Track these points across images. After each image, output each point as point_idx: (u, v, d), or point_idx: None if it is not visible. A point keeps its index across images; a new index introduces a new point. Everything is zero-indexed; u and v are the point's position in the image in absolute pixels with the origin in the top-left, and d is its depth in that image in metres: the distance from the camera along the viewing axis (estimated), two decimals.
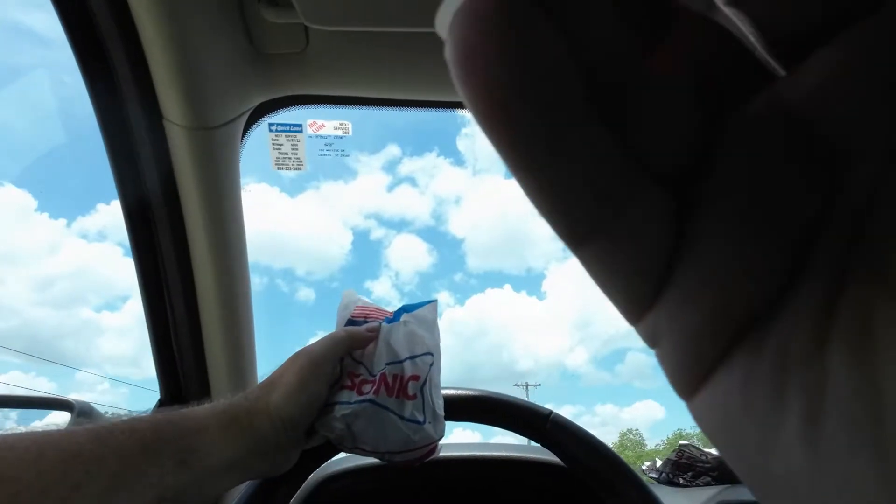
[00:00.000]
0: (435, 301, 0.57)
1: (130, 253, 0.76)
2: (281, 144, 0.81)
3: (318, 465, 0.59)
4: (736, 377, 0.11)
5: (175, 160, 0.70)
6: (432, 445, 0.53)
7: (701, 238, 0.11)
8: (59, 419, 1.00)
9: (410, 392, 0.52)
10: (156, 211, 0.73)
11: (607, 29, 0.11)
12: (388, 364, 0.53)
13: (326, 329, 0.60)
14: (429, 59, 0.67)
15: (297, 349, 0.53)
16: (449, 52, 0.11)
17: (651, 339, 0.13)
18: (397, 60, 0.68)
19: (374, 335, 0.55)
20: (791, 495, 0.11)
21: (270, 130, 0.80)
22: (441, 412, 0.54)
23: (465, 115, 0.80)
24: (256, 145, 0.81)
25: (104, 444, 0.38)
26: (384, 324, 0.56)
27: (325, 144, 0.82)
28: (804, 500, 0.10)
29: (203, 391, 0.83)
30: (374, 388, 0.51)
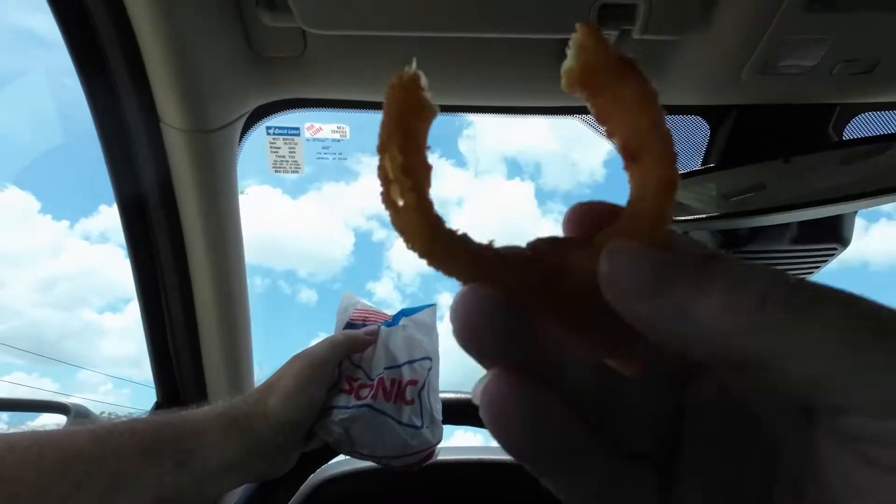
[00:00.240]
0: (434, 305, 0.57)
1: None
2: (278, 148, 0.81)
3: (317, 468, 0.59)
4: None
5: (172, 163, 0.70)
6: (430, 450, 0.53)
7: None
8: (54, 422, 1.00)
9: (408, 397, 0.52)
10: (153, 213, 0.73)
11: (588, 375, 0.18)
12: (386, 368, 0.53)
13: (328, 330, 0.60)
14: (426, 62, 0.67)
15: (299, 350, 0.53)
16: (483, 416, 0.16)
17: None
18: (395, 64, 0.68)
19: (372, 339, 0.55)
20: None
21: (268, 133, 0.80)
22: (439, 417, 0.54)
23: (466, 117, 0.80)
24: (258, 147, 0.80)
25: (104, 445, 0.38)
26: (383, 327, 0.56)
27: (323, 147, 0.82)
28: None
29: (200, 393, 0.83)
30: (373, 392, 0.51)
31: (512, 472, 0.78)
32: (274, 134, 0.80)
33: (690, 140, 0.79)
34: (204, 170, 0.70)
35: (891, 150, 0.67)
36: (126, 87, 0.63)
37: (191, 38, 0.60)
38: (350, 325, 0.59)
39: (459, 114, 0.79)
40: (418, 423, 0.52)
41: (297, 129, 0.81)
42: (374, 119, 0.78)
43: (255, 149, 0.80)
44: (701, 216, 0.73)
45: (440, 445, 0.55)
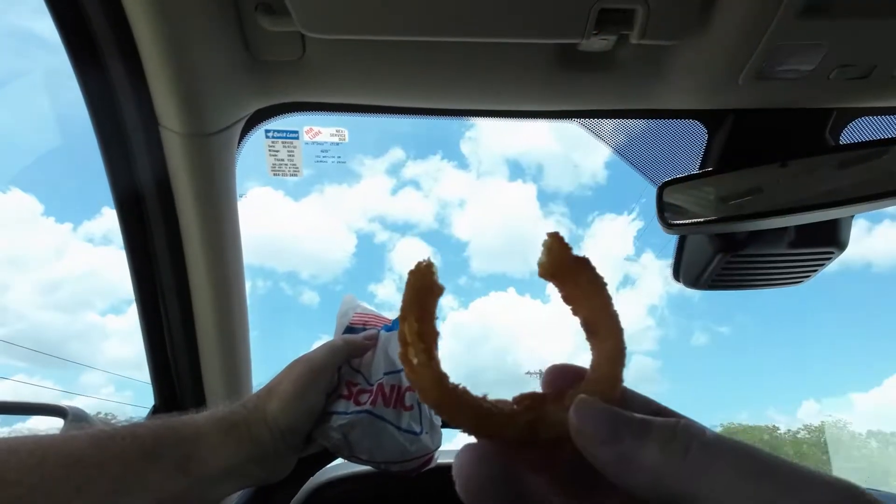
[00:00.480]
0: None
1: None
2: (277, 151, 0.81)
3: (315, 472, 0.59)
4: None
5: (171, 166, 0.70)
6: (429, 456, 0.53)
7: None
8: (46, 425, 0.99)
9: (408, 403, 0.52)
10: (151, 217, 0.73)
11: None
12: (385, 374, 0.53)
13: (329, 332, 0.60)
14: (425, 66, 0.68)
15: (301, 352, 0.53)
16: None
17: None
18: (393, 68, 0.68)
19: (372, 343, 0.55)
20: None
21: (267, 137, 0.80)
22: (438, 422, 0.54)
23: (467, 119, 0.80)
24: (260, 149, 0.81)
25: (105, 450, 0.38)
26: (383, 332, 0.56)
27: (322, 151, 0.82)
28: None
29: (198, 397, 0.83)
30: (372, 398, 0.51)
31: None
32: (273, 137, 0.80)
33: (688, 144, 0.79)
34: (202, 173, 0.70)
35: (887, 154, 0.68)
36: (125, 91, 0.63)
37: (189, 41, 0.60)
38: (350, 329, 0.58)
39: (458, 118, 0.79)
40: (417, 429, 0.51)
41: (296, 132, 0.81)
42: (376, 122, 0.78)
43: (257, 151, 0.81)
44: (699, 220, 0.73)
45: (439, 449, 0.55)
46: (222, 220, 0.75)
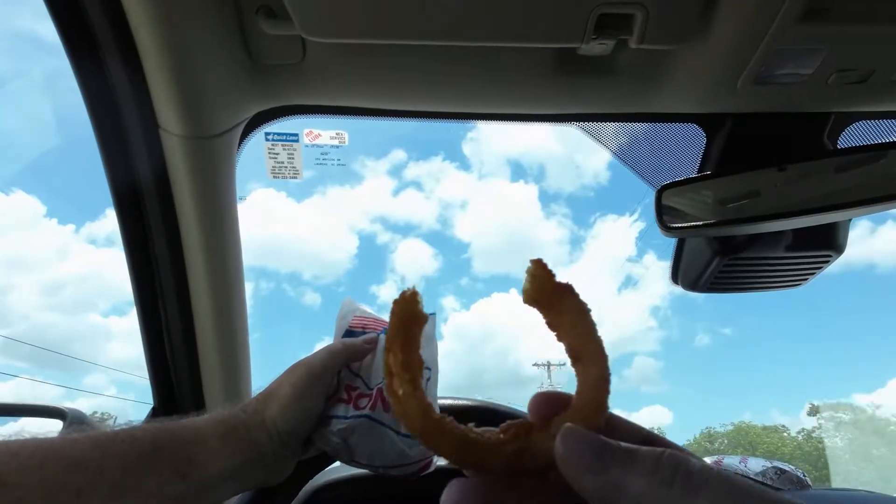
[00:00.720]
0: (433, 314, 0.57)
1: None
2: (277, 153, 0.81)
3: (314, 476, 0.59)
4: None
5: (171, 169, 0.70)
6: (428, 460, 0.53)
7: None
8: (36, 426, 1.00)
9: None
10: (151, 219, 0.73)
11: None
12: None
13: (331, 333, 0.60)
14: (424, 70, 0.68)
15: (303, 354, 0.53)
16: None
17: None
18: (393, 72, 0.68)
19: (371, 347, 0.55)
20: None
21: (267, 140, 0.80)
22: None
23: (468, 122, 0.80)
24: (262, 151, 0.81)
25: (105, 453, 0.38)
26: (382, 335, 0.56)
27: (322, 154, 0.83)
28: None
29: (197, 400, 0.83)
30: (371, 402, 0.51)
31: None
32: (273, 140, 0.80)
33: (687, 147, 0.80)
34: (202, 176, 0.70)
35: (884, 158, 0.68)
36: (125, 93, 0.64)
37: (190, 44, 0.60)
38: (349, 332, 0.58)
39: (457, 121, 0.79)
40: None
41: (296, 135, 0.81)
42: (377, 123, 0.78)
43: (259, 152, 0.81)
44: (697, 223, 0.73)
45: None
46: (222, 223, 0.75)
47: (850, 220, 0.76)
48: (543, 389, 0.28)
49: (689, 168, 0.80)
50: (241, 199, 0.78)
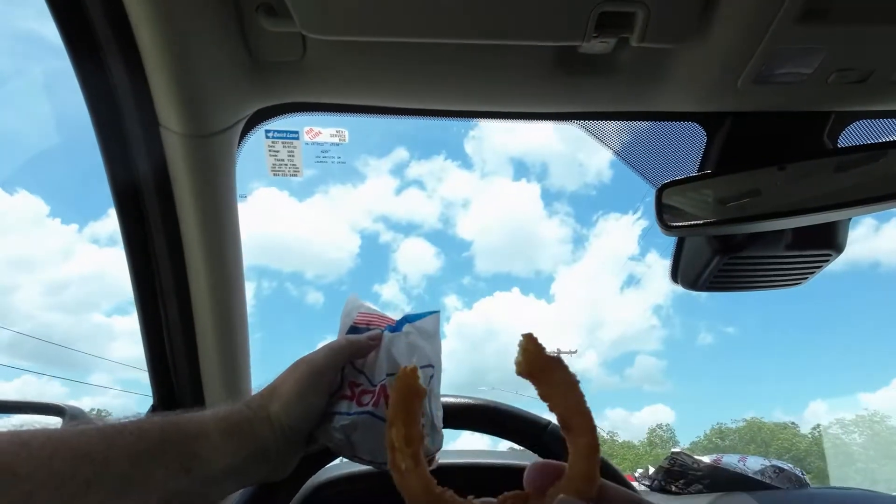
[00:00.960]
0: (437, 312, 0.57)
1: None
2: (277, 151, 0.81)
3: (316, 471, 0.59)
4: None
5: (171, 167, 0.70)
6: (429, 458, 0.53)
7: None
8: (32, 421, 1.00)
9: None
10: (151, 217, 0.73)
11: None
12: (388, 375, 0.53)
13: (334, 332, 0.60)
14: (425, 68, 0.68)
15: (305, 353, 0.53)
16: None
17: None
18: (394, 69, 0.68)
19: (375, 344, 0.55)
20: None
21: (267, 137, 0.80)
22: (440, 424, 0.54)
23: (469, 120, 0.80)
24: (263, 150, 0.81)
25: (113, 446, 0.39)
26: (386, 332, 0.56)
27: (322, 151, 0.83)
28: None
29: (196, 398, 0.83)
30: (374, 399, 0.51)
31: (512, 476, 0.78)
32: (273, 138, 0.80)
33: (687, 146, 0.80)
34: (202, 174, 0.70)
35: (884, 157, 0.68)
36: (125, 91, 0.63)
37: (190, 41, 0.60)
38: (353, 329, 0.59)
39: (457, 119, 0.79)
40: None
41: (297, 132, 0.81)
42: (379, 122, 0.78)
43: (260, 151, 0.80)
44: (697, 222, 0.73)
45: (440, 451, 0.55)
46: (222, 221, 0.75)
47: (849, 219, 0.76)
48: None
49: (690, 167, 0.80)
50: (242, 197, 0.78)
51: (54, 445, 0.36)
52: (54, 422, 1.02)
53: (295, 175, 0.82)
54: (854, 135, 0.77)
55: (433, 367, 0.54)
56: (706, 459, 1.10)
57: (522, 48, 0.64)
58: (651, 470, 1.22)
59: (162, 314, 0.79)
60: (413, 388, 0.29)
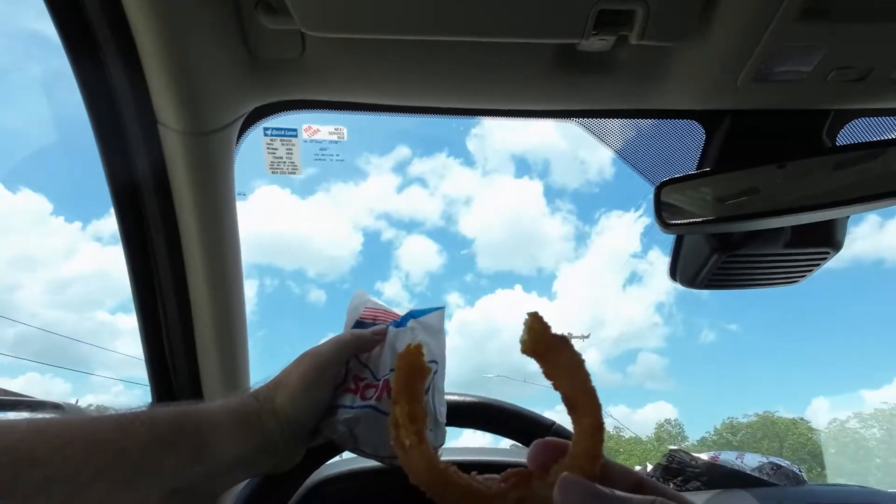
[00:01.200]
0: (442, 308, 0.57)
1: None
2: (276, 149, 0.81)
3: (322, 463, 0.59)
4: None
5: (169, 164, 0.70)
6: None
7: None
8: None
9: None
10: (149, 214, 0.73)
11: None
12: (392, 370, 0.53)
13: (336, 331, 0.60)
14: (424, 66, 0.68)
15: (306, 350, 0.54)
16: None
17: None
18: (392, 67, 0.68)
19: (380, 339, 0.56)
20: None
21: (265, 135, 0.80)
22: (443, 419, 0.55)
23: (469, 118, 0.80)
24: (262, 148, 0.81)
25: (127, 435, 0.39)
26: (391, 328, 0.56)
27: (321, 149, 0.82)
28: None
29: (195, 396, 0.83)
30: (378, 393, 0.52)
31: None
32: (271, 135, 0.80)
33: (686, 144, 0.80)
34: (201, 171, 0.70)
35: (883, 155, 0.68)
36: (123, 88, 0.63)
37: (189, 38, 0.60)
38: (359, 323, 0.59)
39: (456, 116, 0.79)
40: None
41: (295, 130, 0.81)
42: (381, 119, 0.78)
43: (261, 149, 0.80)
44: (696, 220, 0.73)
45: (443, 447, 0.55)
46: (221, 218, 0.75)
47: (847, 217, 0.76)
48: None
49: (689, 165, 0.80)
50: (242, 195, 0.78)
51: (70, 433, 0.37)
52: None
53: (294, 173, 0.82)
54: (853, 133, 0.77)
55: (437, 362, 0.55)
56: (704, 457, 1.11)
57: (521, 46, 0.64)
58: (649, 467, 1.22)
59: (160, 311, 0.79)
60: (417, 365, 0.29)
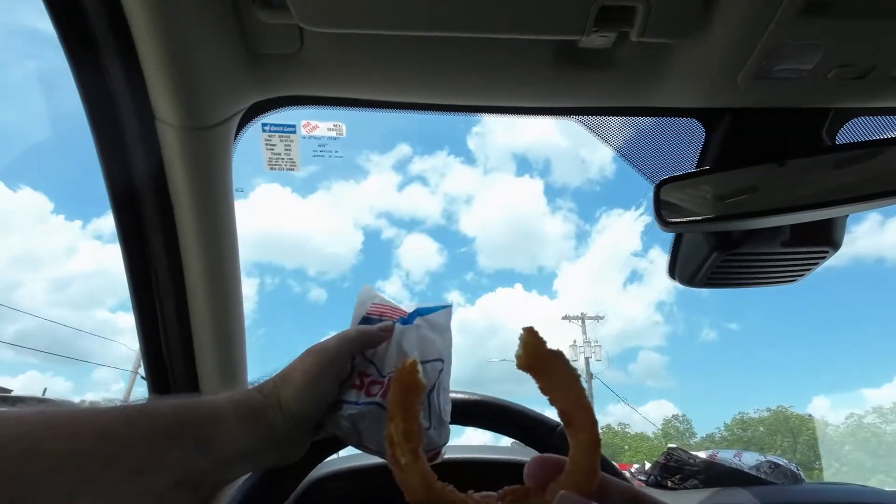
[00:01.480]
0: (450, 306, 0.57)
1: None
2: (274, 145, 0.81)
3: (325, 458, 0.59)
4: None
5: (167, 160, 0.69)
6: (435, 451, 0.54)
7: None
8: None
9: None
10: (147, 210, 0.72)
11: None
12: (397, 367, 0.53)
13: (337, 329, 0.60)
14: (424, 62, 0.67)
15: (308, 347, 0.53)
16: None
17: None
18: (391, 63, 0.68)
19: (386, 335, 0.55)
20: None
21: (264, 131, 0.80)
22: (447, 418, 0.54)
23: (470, 115, 0.80)
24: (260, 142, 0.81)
25: (134, 426, 0.40)
26: (398, 324, 0.56)
27: (319, 146, 0.82)
28: None
29: (192, 391, 0.83)
30: (382, 390, 0.51)
31: (514, 471, 0.78)
32: (270, 131, 0.80)
33: (686, 142, 0.80)
34: (198, 167, 0.70)
35: (882, 154, 0.68)
36: (120, 84, 0.63)
37: (186, 33, 0.59)
38: (366, 319, 0.59)
39: (455, 113, 0.79)
40: (425, 425, 0.52)
41: (293, 126, 0.81)
42: (382, 117, 0.78)
43: (260, 145, 0.80)
44: (695, 218, 0.73)
45: (447, 445, 0.55)
46: (218, 214, 0.75)
47: (846, 216, 0.76)
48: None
49: (689, 163, 0.80)
50: (240, 191, 0.78)
51: (78, 423, 0.37)
52: None
53: (292, 169, 0.81)
54: (852, 132, 0.77)
55: (443, 360, 0.54)
56: (702, 455, 1.11)
57: (521, 42, 0.64)
58: (647, 465, 1.22)
59: (158, 308, 0.78)
60: (412, 383, 0.29)
